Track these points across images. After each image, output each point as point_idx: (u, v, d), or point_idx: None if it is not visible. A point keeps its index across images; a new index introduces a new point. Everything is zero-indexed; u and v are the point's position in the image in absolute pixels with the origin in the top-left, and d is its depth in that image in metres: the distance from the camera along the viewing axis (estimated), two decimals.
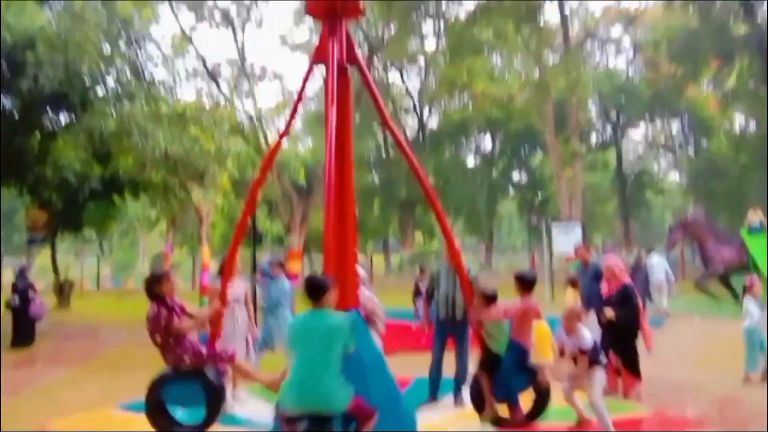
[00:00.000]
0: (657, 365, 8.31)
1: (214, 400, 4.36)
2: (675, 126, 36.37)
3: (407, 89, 36.51)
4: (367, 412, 3.66)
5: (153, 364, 4.49)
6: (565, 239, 17.19)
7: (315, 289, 3.64)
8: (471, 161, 40.30)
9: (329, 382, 3.43)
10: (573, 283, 7.84)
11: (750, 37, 19.49)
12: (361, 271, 5.54)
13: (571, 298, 7.70)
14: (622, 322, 6.08)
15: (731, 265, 15.09)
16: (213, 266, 14.89)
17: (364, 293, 5.42)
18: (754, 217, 14.72)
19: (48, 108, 13.48)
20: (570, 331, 4.86)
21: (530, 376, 4.67)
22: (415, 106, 37.21)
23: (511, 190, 40.36)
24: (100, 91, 13.84)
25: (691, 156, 36.36)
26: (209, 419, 4.35)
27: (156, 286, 4.50)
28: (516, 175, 40.45)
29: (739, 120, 33.17)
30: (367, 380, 4.27)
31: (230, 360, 4.52)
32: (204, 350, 4.45)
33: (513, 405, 4.74)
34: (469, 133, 37.01)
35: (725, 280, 15.37)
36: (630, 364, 6.24)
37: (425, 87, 33.98)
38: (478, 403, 4.84)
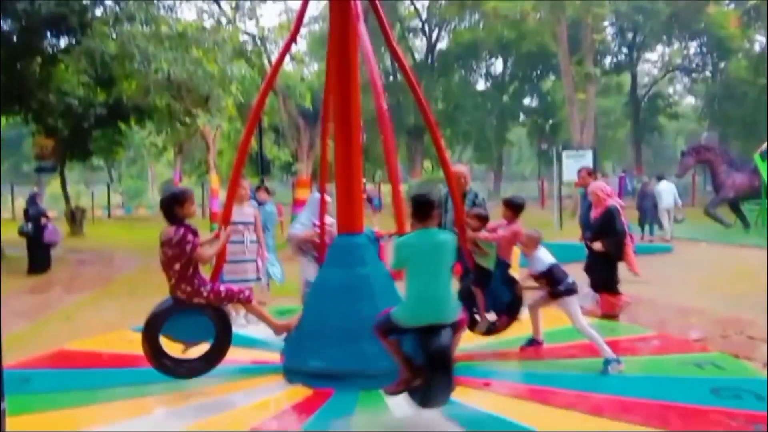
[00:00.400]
0: (663, 290, 8.43)
1: (225, 336, 4.30)
2: (693, 47, 35.13)
3: (416, 8, 35.22)
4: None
5: (167, 288, 4.45)
6: (576, 166, 16.95)
7: (424, 207, 3.67)
8: (481, 85, 39.46)
9: (446, 295, 3.61)
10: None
11: None
12: (328, 199, 5.76)
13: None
14: (605, 245, 6.04)
15: (742, 191, 14.97)
16: (222, 193, 14.95)
17: (328, 219, 5.68)
18: None
19: (47, 31, 13.14)
20: (528, 255, 4.92)
21: (512, 286, 4.94)
22: (423, 26, 36.03)
23: (522, 116, 39.70)
24: (98, 12, 13.44)
25: (708, 79, 35.36)
26: (219, 355, 4.31)
27: (178, 207, 4.07)
28: (527, 100, 39.66)
29: (759, 41, 31.94)
30: (377, 301, 4.35)
31: (247, 300, 4.43)
32: (222, 287, 4.27)
33: (500, 313, 4.95)
34: (480, 55, 36.00)
35: (736, 207, 15.30)
36: (604, 285, 6.18)
37: (434, 5, 32.72)
38: (470, 318, 4.99)
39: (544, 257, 4.99)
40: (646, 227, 14.73)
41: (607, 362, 4.67)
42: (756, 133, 30.01)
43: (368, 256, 4.76)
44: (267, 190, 8.69)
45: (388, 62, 33.72)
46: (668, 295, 8.04)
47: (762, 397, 4.02)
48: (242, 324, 5.65)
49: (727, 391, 4.14)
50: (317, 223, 5.78)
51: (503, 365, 5.02)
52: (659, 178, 15.58)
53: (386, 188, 34.14)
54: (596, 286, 6.21)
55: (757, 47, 32.29)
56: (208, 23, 17.36)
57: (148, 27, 12.91)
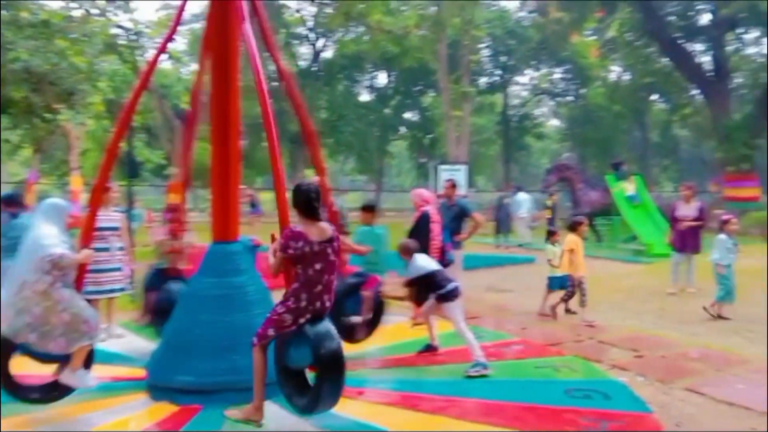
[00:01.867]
0: (526, 298, 9.00)
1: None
2: (558, 73, 38.09)
3: (301, 15, 35.08)
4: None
5: None
6: (454, 179, 17.77)
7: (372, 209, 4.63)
8: (365, 97, 40.05)
9: None
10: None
11: None
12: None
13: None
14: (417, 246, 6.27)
15: (596, 207, 16.37)
16: (85, 197, 13.89)
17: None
18: (630, 186, 15.89)
19: None
20: (407, 260, 5.18)
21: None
22: (309, 34, 35.94)
23: (403, 129, 40.80)
24: None
25: (570, 103, 38.46)
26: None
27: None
28: (408, 114, 40.82)
29: (616, 71, 35.37)
30: (252, 311, 4.26)
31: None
32: None
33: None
34: (364, 67, 36.55)
35: (590, 221, 16.69)
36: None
37: (320, 14, 32.79)
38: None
39: (423, 264, 5.17)
40: (503, 236, 16.86)
41: (475, 365, 4.91)
42: (610, 154, 33.18)
43: (244, 264, 4.65)
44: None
45: (272, 67, 33.25)
46: (531, 303, 8.58)
47: (609, 396, 4.42)
48: (102, 339, 5.29)
49: (578, 391, 4.50)
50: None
51: (377, 373, 5.11)
52: (518, 189, 18.02)
53: (267, 196, 33.54)
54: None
55: (613, 76, 35.72)
56: (77, 13, 16.10)
57: (7, 12, 11.73)
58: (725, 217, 7.91)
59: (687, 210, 9.23)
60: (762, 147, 23.86)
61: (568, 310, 7.58)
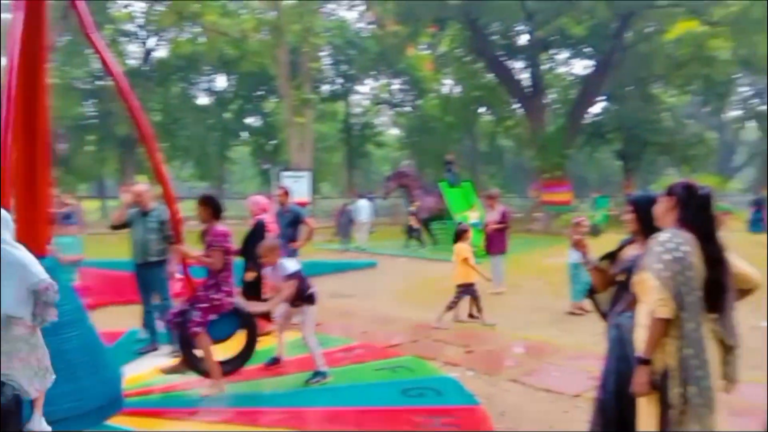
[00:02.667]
0: (368, 302, 9.18)
1: None
2: (396, 84, 39.64)
3: (130, 11, 32.75)
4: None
5: None
6: (295, 187, 17.67)
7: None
8: (203, 100, 38.45)
9: None
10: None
11: (461, 7, 21.95)
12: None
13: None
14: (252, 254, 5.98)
15: (432, 212, 17.24)
16: None
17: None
18: (474, 214, 17.00)
19: None
20: (270, 264, 5.02)
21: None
22: (138, 31, 33.66)
23: (245, 135, 39.82)
24: None
25: (408, 113, 40.20)
26: None
27: None
28: (250, 119, 39.92)
29: (448, 83, 37.60)
30: (61, 334, 3.82)
31: None
32: None
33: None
34: (201, 69, 35.08)
35: (427, 226, 17.53)
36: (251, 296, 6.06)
37: (151, 11, 30.88)
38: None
39: (292, 264, 5.04)
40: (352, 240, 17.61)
41: (315, 374, 4.87)
42: (444, 162, 35.17)
43: (59, 282, 4.15)
44: None
45: (95, 65, 30.65)
46: (372, 306, 8.78)
47: (441, 392, 4.62)
48: None
49: (414, 390, 4.65)
50: None
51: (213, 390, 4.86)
52: (360, 197, 19.07)
53: (92, 204, 30.76)
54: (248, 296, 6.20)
55: (445, 89, 37.94)
56: None
57: None
58: (576, 219, 8.63)
59: (492, 215, 9.95)
60: (573, 156, 26.83)
61: (471, 315, 7.67)
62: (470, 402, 4.41)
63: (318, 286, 10.41)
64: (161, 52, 34.88)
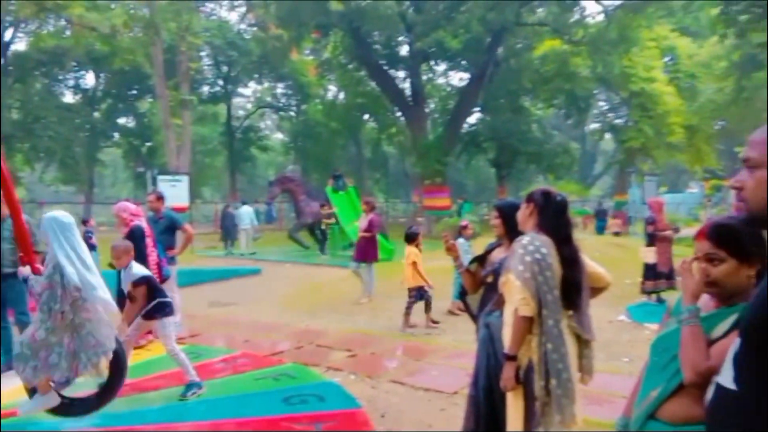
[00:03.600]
0: (252, 309, 8.99)
1: None
2: (280, 88, 39.19)
3: None
4: None
5: None
6: (173, 191, 16.89)
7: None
8: (69, 98, 35.68)
9: None
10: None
11: (343, 15, 22.15)
12: None
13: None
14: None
15: (317, 217, 17.21)
16: None
17: None
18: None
19: None
20: (122, 266, 4.69)
21: None
22: None
23: (116, 136, 37.45)
24: None
25: (293, 118, 39.88)
26: None
27: None
28: (122, 120, 37.62)
29: (332, 89, 37.78)
30: None
31: None
32: None
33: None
34: (67, 65, 32.55)
35: (312, 231, 17.48)
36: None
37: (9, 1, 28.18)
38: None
39: (140, 269, 4.72)
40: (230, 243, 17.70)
41: (189, 387, 4.69)
42: (330, 168, 35.25)
43: None
44: None
45: None
46: (255, 314, 8.60)
47: (323, 398, 4.63)
48: None
49: (296, 398, 4.62)
50: None
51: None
52: (243, 203, 19.08)
53: None
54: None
55: (330, 95, 38.09)
56: None
57: None
58: (463, 223, 8.96)
59: (362, 222, 9.75)
60: (452, 163, 27.95)
61: (434, 321, 7.60)
62: (352, 405, 4.46)
63: (199, 294, 10.12)
64: (20, 45, 31.96)
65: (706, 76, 24.86)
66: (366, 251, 9.48)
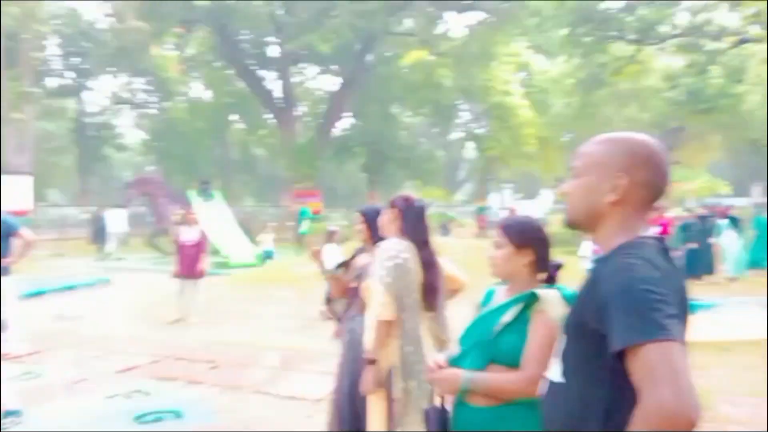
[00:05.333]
0: (102, 323, 8.29)
1: None
2: (139, 83, 36.82)
3: None
4: None
5: None
6: (11, 192, 15.24)
7: None
8: None
9: None
10: None
11: (209, 11, 21.34)
12: None
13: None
14: None
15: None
16: None
17: None
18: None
19: None
20: None
21: None
22: None
23: None
24: None
25: (154, 116, 37.66)
26: None
27: None
28: None
29: (196, 87, 36.20)
30: None
31: None
32: None
33: None
34: None
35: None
36: None
37: None
38: None
39: None
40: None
41: (7, 414, 4.17)
42: (194, 169, 33.71)
43: None
44: None
45: None
46: (106, 327, 7.96)
47: (179, 414, 4.35)
48: None
49: (149, 416, 4.30)
50: None
51: None
52: (116, 206, 18.07)
53: None
54: None
55: (195, 93, 36.44)
56: None
57: None
58: (331, 229, 8.85)
59: (189, 234, 8.58)
60: (323, 167, 27.94)
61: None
62: (210, 419, 4.23)
63: (41, 307, 9.18)
64: None
65: (556, 91, 27.03)
66: (193, 265, 8.46)
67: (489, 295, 2.09)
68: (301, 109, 32.72)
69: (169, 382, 5.32)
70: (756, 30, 13.55)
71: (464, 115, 39.46)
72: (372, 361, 2.69)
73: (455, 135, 42.66)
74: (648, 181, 1.32)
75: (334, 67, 29.58)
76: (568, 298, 1.85)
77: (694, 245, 11.53)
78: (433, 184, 31.76)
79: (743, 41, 15.32)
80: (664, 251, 1.28)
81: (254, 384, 5.33)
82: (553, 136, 27.19)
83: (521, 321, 1.86)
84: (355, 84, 26.25)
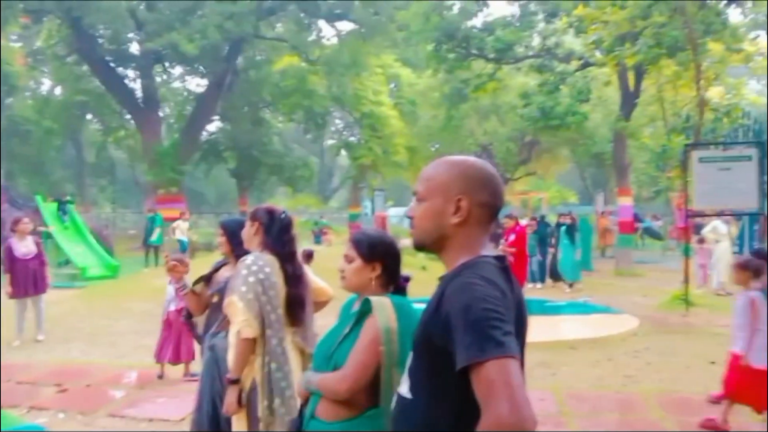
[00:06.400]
0: None
1: None
2: None
3: None
4: None
5: None
6: None
7: None
8: None
9: None
10: None
11: (60, 2, 19.67)
12: None
13: None
14: None
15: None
16: None
17: None
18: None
19: None
20: None
21: None
22: None
23: None
24: None
25: None
26: None
27: None
28: None
29: (45, 83, 33.19)
30: None
31: None
32: None
33: None
34: None
35: None
36: None
37: None
38: None
39: None
40: None
41: None
42: (41, 172, 30.79)
43: None
44: None
45: None
46: None
47: None
48: None
49: None
50: None
51: None
52: None
53: None
54: None
55: (44, 89, 33.34)
56: None
57: None
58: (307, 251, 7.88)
59: (24, 247, 7.61)
60: (189, 172, 26.70)
61: None
62: None
63: None
64: None
65: (423, 103, 28.04)
66: (35, 281, 7.62)
67: (348, 306, 2.13)
68: (165, 111, 31.11)
69: (8, 410, 4.78)
70: (598, 55, 15.03)
71: (338, 123, 39.80)
72: (234, 381, 2.61)
73: (329, 142, 42.87)
74: (487, 201, 1.41)
75: (200, 68, 28.48)
76: (411, 309, 1.94)
77: (541, 251, 12.54)
78: (307, 190, 31.64)
79: (587, 65, 16.89)
80: (503, 269, 1.37)
81: (108, 407, 4.96)
82: (421, 146, 28.20)
83: (357, 329, 1.92)
84: (224, 86, 25.45)
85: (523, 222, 11.92)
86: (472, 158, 1.46)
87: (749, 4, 14.93)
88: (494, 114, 25.78)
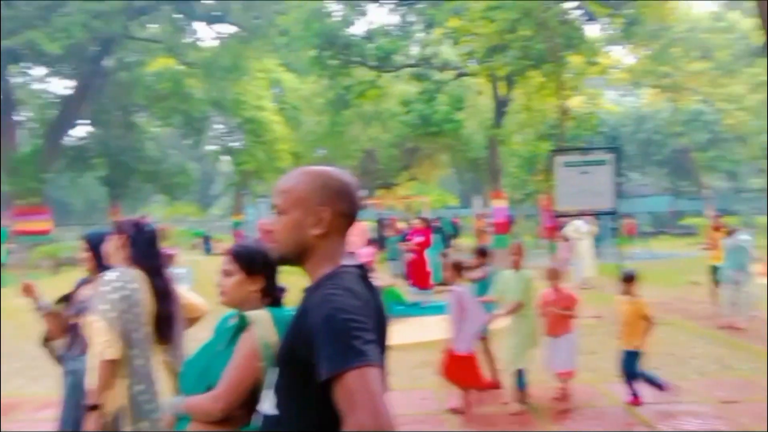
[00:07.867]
0: None
1: None
2: None
3: None
4: None
5: None
6: None
7: None
8: None
9: None
10: None
11: None
12: None
13: None
14: None
15: None
16: None
17: None
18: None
19: None
20: None
21: None
22: None
23: None
24: None
25: None
26: None
27: None
28: None
29: None
30: None
31: None
32: None
33: None
34: None
35: None
36: None
37: None
38: None
39: None
40: None
41: None
42: None
43: None
44: None
45: None
46: None
47: None
48: None
49: None
50: None
51: None
52: None
53: None
54: None
55: None
56: None
57: None
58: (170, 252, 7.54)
59: None
60: (53, 181, 24.62)
61: None
62: None
63: None
64: None
65: (307, 109, 27.94)
66: None
67: (223, 322, 2.06)
68: (24, 114, 28.52)
69: None
70: (472, 65, 15.77)
71: (218, 128, 38.53)
72: (95, 407, 2.43)
73: (209, 148, 41.39)
74: (345, 210, 1.42)
75: (65, 69, 26.44)
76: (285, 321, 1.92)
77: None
78: (185, 198, 30.33)
79: (462, 74, 17.70)
80: (364, 278, 1.39)
81: None
82: (306, 152, 28.06)
83: (233, 346, 1.87)
84: (91, 89, 23.81)
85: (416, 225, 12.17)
86: (329, 168, 1.47)
87: (606, 20, 16.41)
88: (377, 120, 26.24)
